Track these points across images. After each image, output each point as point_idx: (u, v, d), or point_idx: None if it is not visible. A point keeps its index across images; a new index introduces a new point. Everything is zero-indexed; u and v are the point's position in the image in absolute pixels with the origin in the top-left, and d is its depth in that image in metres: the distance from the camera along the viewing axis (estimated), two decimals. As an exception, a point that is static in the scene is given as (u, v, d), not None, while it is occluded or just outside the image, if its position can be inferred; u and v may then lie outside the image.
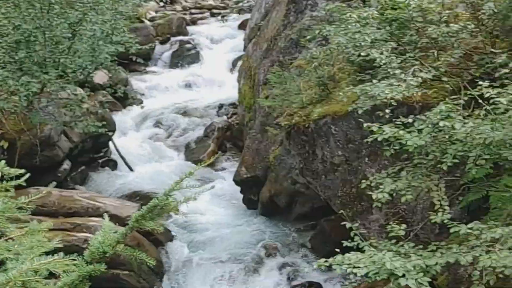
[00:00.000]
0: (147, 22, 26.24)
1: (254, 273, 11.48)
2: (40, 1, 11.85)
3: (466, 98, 7.21)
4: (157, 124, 18.32)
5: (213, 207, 13.85)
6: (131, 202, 12.68)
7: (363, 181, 7.27)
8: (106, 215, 3.50)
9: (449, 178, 7.38)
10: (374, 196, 6.66)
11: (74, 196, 12.32)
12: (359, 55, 7.97)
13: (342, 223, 7.04)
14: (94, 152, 15.91)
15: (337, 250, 6.29)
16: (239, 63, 18.56)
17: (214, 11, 30.18)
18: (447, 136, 6.80)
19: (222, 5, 30.82)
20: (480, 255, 5.79)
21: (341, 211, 8.80)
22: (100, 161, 15.92)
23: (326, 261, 6.31)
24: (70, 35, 12.21)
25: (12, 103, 11.87)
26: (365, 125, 6.84)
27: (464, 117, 6.83)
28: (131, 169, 15.86)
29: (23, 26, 11.78)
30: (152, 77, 22.45)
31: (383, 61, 7.62)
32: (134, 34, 23.32)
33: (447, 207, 6.63)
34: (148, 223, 2.81)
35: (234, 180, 13.50)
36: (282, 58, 13.25)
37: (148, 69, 23.86)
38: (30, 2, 11.91)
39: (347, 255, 6.13)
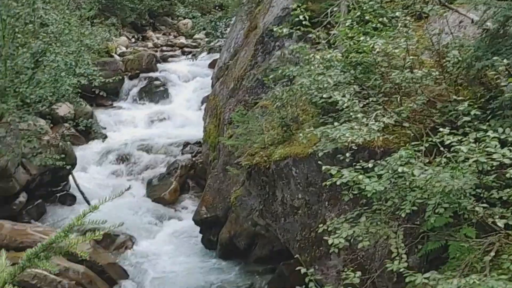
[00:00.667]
0: (117, 57, 26.06)
1: (207, 316, 11.19)
2: (2, 30, 11.63)
3: (427, 145, 7.07)
4: (120, 159, 18.03)
5: (171, 246, 13.55)
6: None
7: (320, 225, 7.08)
8: (3, 251, 3.20)
9: (408, 226, 7.22)
10: (330, 241, 6.46)
11: (27, 230, 11.96)
12: (322, 97, 7.84)
13: (298, 268, 6.82)
14: (53, 186, 15.56)
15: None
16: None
17: (185, 49, 30.12)
18: (407, 183, 6.65)
19: (194, 44, 30.79)
20: (436, 307, 5.61)
21: (298, 255, 8.60)
22: (58, 195, 15.57)
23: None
24: (32, 65, 11.98)
25: (-33, 132, 11.59)
26: (323, 167, 6.67)
27: (424, 164, 6.69)
28: (89, 204, 15.50)
29: (-17, 54, 11.55)
30: (118, 111, 22.20)
31: (346, 104, 7.49)
32: (102, 68, 23.43)
33: (404, 255, 6.44)
34: (42, 263, 2.50)
35: (193, 219, 13.24)
36: (248, 98, 13.14)
37: (115, 103, 23.59)
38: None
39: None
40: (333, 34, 8.53)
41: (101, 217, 12.26)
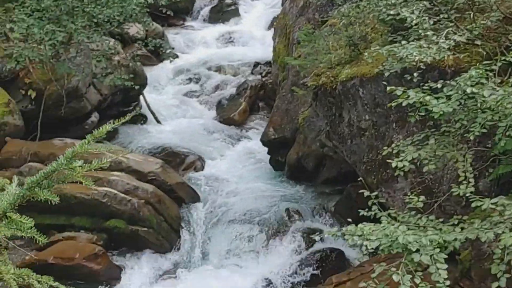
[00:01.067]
0: (187, -24, 25.77)
1: (274, 235, 11.22)
2: None
3: (500, 64, 6.68)
4: (191, 79, 18.02)
5: (239, 166, 13.58)
6: (154, 158, 12.47)
7: (385, 147, 6.87)
8: (15, 177, 3.07)
9: (478, 149, 6.94)
10: (393, 164, 6.25)
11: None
12: (389, 14, 7.48)
13: (361, 191, 6.68)
14: (124, 106, 15.69)
15: (349, 220, 5.94)
16: (277, 20, 18.11)
17: (257, -33, 29.57)
18: (477, 104, 6.33)
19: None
20: (503, 232, 5.39)
21: (363, 178, 8.44)
22: (129, 115, 15.67)
23: (338, 231, 6.02)
24: (99, -16, 11.92)
25: (37, 52, 11.69)
26: (388, 88, 6.41)
27: (497, 85, 6.34)
28: (160, 124, 15.64)
29: (51, -27, 11.53)
30: (189, 31, 22.09)
31: (414, 22, 7.14)
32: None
33: (472, 180, 6.19)
34: (42, 192, 2.38)
35: (261, 140, 13.19)
36: (317, 16, 12.79)
37: (186, 23, 23.48)
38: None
39: (360, 225, 5.77)
40: None
41: (171, 138, 12.43)
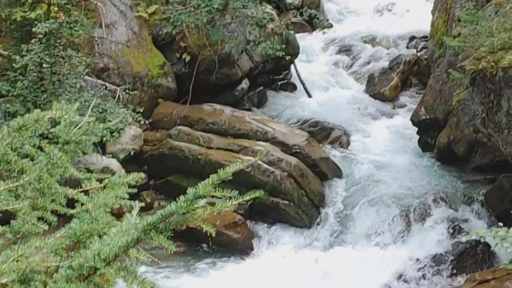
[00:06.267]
0: None
1: (418, 221, 10.86)
2: None
3: None
4: (343, 50, 17.69)
5: (387, 144, 13.22)
6: (301, 131, 12.37)
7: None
8: (136, 205, 2.76)
9: None
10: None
11: (245, 118, 12.21)
12: None
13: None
14: (275, 74, 15.68)
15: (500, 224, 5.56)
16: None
17: None
18: None
19: None
20: None
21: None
22: (279, 83, 15.69)
23: (487, 231, 5.66)
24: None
25: (194, 17, 11.85)
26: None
27: None
28: (309, 95, 15.51)
29: None
30: (346, 0, 21.70)
31: None
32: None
33: None
34: (158, 237, 2.16)
35: (411, 120, 12.74)
36: (483, -7, 12.06)
37: (344, -9, 23.14)
38: None
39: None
40: None
41: (318, 110, 12.28)
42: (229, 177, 2.44)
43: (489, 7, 10.56)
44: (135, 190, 2.88)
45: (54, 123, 2.71)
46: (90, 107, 4.19)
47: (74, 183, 2.85)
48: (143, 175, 2.95)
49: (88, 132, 2.79)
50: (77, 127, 2.69)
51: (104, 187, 2.80)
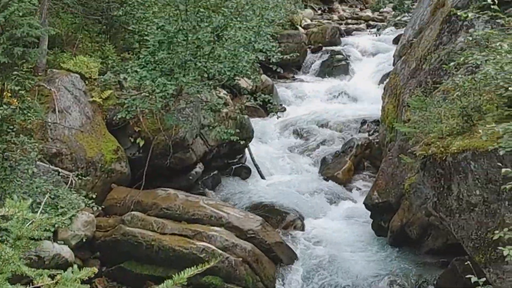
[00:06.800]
0: (301, 30, 26.02)
1: (373, 306, 10.82)
2: (186, 4, 11.79)
3: None
4: (297, 134, 18.00)
5: (341, 228, 13.27)
6: (255, 215, 12.33)
7: (496, 232, 6.46)
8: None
9: None
10: (505, 253, 5.86)
11: (200, 203, 12.16)
12: (508, 89, 7.14)
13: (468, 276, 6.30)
14: (229, 158, 15.79)
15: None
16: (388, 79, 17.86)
17: (371, 22, 29.50)
18: None
19: (380, 17, 30.06)
20: None
21: (472, 255, 8.02)
22: (234, 167, 15.78)
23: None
24: (212, 39, 12.06)
25: (148, 103, 11.93)
26: (503, 170, 6.06)
27: None
28: (263, 178, 15.60)
29: (167, 27, 11.78)
30: (299, 85, 22.21)
31: (535, 99, 6.77)
32: (286, 40, 23.51)
33: None
34: None
35: (364, 203, 12.85)
36: (429, 80, 12.46)
37: (297, 76, 23.68)
38: (175, 4, 11.89)
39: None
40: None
41: (273, 193, 12.30)
42: (183, 282, 2.43)
43: (437, 94, 10.92)
44: (88, 286, 2.83)
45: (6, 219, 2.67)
46: (43, 202, 4.14)
47: (26, 280, 2.79)
48: (96, 270, 2.91)
49: (41, 227, 2.76)
50: (30, 223, 2.66)
51: (56, 283, 2.75)
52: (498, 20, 7.97)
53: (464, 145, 8.47)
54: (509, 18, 7.70)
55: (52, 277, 2.79)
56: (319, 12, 31.89)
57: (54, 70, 12.87)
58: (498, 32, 8.07)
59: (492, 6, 7.48)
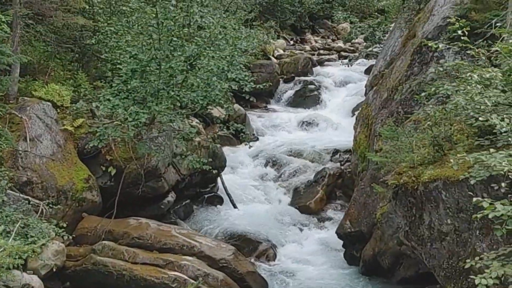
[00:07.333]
0: (274, 60, 26.23)
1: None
2: (159, 33, 11.80)
3: None
4: (269, 162, 18.00)
5: (313, 258, 13.25)
6: (227, 245, 12.28)
7: (468, 260, 6.50)
8: None
9: None
10: (476, 281, 5.88)
11: (172, 232, 12.09)
12: (477, 119, 7.23)
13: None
14: (201, 187, 15.75)
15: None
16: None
17: (343, 53, 29.81)
18: None
19: (351, 48, 30.39)
20: None
21: (443, 284, 8.05)
22: (206, 196, 15.73)
23: None
24: (185, 68, 12.08)
25: (121, 131, 11.87)
26: (474, 199, 6.11)
27: None
28: (235, 207, 15.57)
29: (140, 56, 11.78)
30: (271, 114, 22.33)
31: (504, 129, 6.86)
32: (258, 70, 23.66)
33: None
34: None
35: (337, 233, 12.86)
36: (401, 110, 12.60)
37: (269, 106, 23.81)
38: (149, 33, 11.91)
39: None
40: (495, 51, 7.84)
41: (245, 222, 12.26)
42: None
43: (409, 124, 11.03)
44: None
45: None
46: (14, 231, 4.08)
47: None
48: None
49: (13, 255, 2.71)
50: (2, 250, 2.61)
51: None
52: (468, 51, 8.11)
53: (435, 175, 8.55)
54: (478, 50, 7.83)
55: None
56: (292, 42, 32.17)
57: (25, 98, 12.77)
58: (468, 63, 8.21)
59: (462, 38, 7.61)
